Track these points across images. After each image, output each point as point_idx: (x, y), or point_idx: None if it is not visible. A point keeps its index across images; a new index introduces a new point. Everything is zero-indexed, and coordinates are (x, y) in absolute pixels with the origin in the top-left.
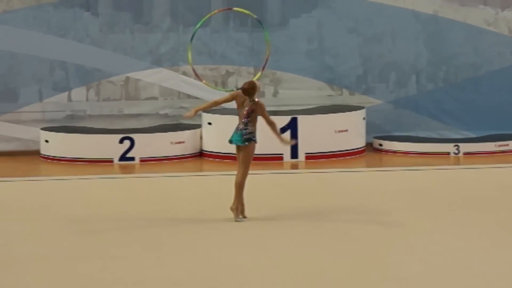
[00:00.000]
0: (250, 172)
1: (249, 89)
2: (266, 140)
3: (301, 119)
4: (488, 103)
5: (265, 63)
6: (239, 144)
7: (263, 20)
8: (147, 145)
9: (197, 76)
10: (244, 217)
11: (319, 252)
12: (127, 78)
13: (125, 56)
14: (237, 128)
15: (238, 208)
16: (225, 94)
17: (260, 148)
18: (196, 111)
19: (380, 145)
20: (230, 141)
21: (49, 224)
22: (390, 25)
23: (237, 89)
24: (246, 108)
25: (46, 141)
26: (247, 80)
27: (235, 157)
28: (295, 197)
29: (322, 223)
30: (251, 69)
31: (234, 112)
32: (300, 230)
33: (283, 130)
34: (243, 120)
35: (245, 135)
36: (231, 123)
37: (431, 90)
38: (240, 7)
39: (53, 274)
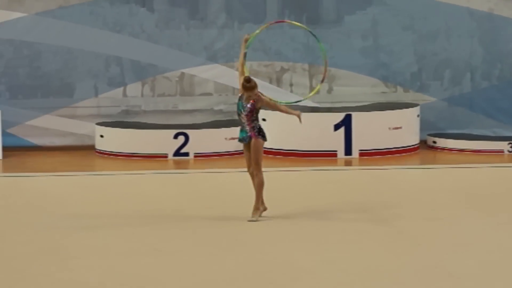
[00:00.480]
0: (305, 168)
1: (253, 86)
2: (321, 137)
3: (355, 116)
4: None
5: (324, 77)
6: (245, 141)
7: (318, 17)
8: (202, 140)
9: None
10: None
11: (372, 249)
12: (182, 74)
13: (180, 52)
14: (241, 125)
15: (260, 208)
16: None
17: (314, 144)
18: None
19: (434, 142)
20: (241, 140)
21: (102, 218)
22: (445, 22)
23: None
24: (249, 106)
25: (101, 136)
26: (300, 76)
27: (288, 153)
28: (348, 193)
29: (376, 219)
30: (306, 66)
31: (291, 108)
32: (353, 226)
33: (337, 126)
34: (244, 117)
35: (251, 131)
36: (285, 119)
37: (485, 87)
38: (296, 6)
39: (106, 268)
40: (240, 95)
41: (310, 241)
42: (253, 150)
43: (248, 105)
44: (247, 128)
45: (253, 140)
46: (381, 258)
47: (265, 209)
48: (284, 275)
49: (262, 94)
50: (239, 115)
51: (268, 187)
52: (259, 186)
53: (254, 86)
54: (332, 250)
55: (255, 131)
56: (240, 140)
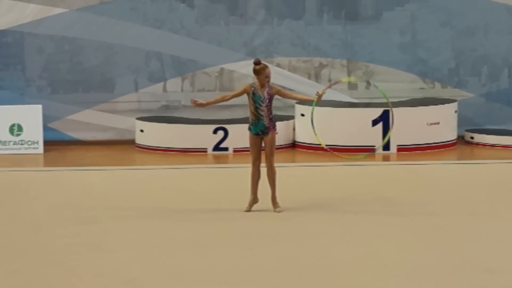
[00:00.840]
0: (343, 163)
1: (263, 67)
2: (359, 132)
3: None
4: None
5: (392, 119)
6: (266, 134)
7: (357, 13)
8: (241, 135)
9: None
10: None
11: (410, 243)
12: (222, 69)
13: (219, 47)
14: (257, 119)
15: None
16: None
17: (353, 140)
18: (207, 104)
19: (472, 138)
20: (259, 133)
21: (142, 212)
22: (482, 18)
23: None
24: (266, 95)
25: (141, 130)
26: (339, 72)
27: (327, 148)
28: (386, 188)
29: (413, 214)
30: (344, 62)
31: (329, 104)
32: (391, 220)
33: (375, 122)
34: (264, 109)
35: (269, 123)
36: (324, 114)
37: None
38: (335, 2)
39: (147, 261)
40: (252, 89)
41: (348, 235)
42: (271, 143)
43: (265, 94)
44: (266, 120)
45: (270, 132)
46: (418, 253)
47: (256, 201)
48: (323, 268)
49: (275, 85)
50: (257, 109)
51: (307, 182)
52: (274, 178)
53: (264, 67)
54: (370, 244)
55: (273, 122)
56: (258, 133)
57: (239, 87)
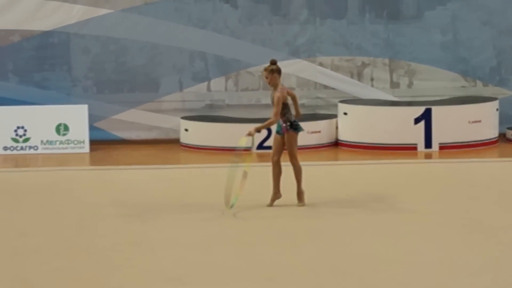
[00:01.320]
0: (385, 161)
1: (270, 69)
2: (401, 130)
3: (435, 110)
4: None
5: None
6: (282, 134)
7: (398, 12)
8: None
9: None
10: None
11: (449, 240)
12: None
13: (263, 47)
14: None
15: (301, 194)
16: (276, 105)
17: (395, 138)
18: (256, 130)
19: None
20: (277, 132)
21: (186, 211)
22: None
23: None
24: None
25: (186, 130)
26: (381, 71)
27: (368, 146)
28: (427, 186)
29: (453, 211)
30: (386, 60)
31: (371, 103)
32: (431, 218)
33: (417, 120)
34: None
35: (283, 124)
36: (366, 113)
37: None
38: (377, 1)
39: (190, 259)
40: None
41: (388, 232)
42: (287, 143)
43: (273, 96)
44: (281, 120)
45: (286, 133)
46: (458, 249)
47: (279, 197)
48: (363, 266)
49: (284, 90)
50: None
51: (349, 180)
52: (298, 174)
53: (270, 70)
54: (410, 241)
55: (286, 124)
56: (277, 132)
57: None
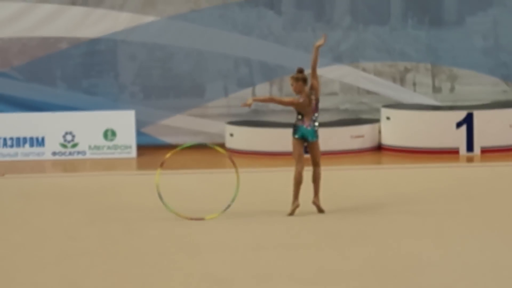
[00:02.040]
0: (427, 165)
1: (295, 77)
2: (443, 135)
3: (477, 114)
4: None
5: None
6: (314, 140)
7: (440, 18)
8: (328, 139)
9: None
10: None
11: (494, 243)
12: (308, 74)
13: (306, 53)
14: (306, 125)
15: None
16: (284, 97)
17: (437, 142)
18: (253, 101)
19: None
20: (306, 139)
21: (231, 214)
22: None
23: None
24: (313, 103)
25: (231, 134)
26: (423, 76)
27: (413, 150)
28: (469, 189)
29: (497, 214)
30: (428, 66)
31: (413, 107)
32: (475, 221)
33: (459, 124)
34: (312, 117)
35: (316, 130)
36: (409, 118)
37: None
38: (419, 7)
39: (237, 262)
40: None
41: (433, 235)
42: (318, 147)
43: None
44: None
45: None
46: (503, 252)
47: (297, 205)
48: (408, 268)
49: (305, 97)
50: None
51: (392, 184)
52: (294, 179)
53: (295, 78)
54: (455, 244)
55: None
56: (306, 139)
57: (291, 98)
